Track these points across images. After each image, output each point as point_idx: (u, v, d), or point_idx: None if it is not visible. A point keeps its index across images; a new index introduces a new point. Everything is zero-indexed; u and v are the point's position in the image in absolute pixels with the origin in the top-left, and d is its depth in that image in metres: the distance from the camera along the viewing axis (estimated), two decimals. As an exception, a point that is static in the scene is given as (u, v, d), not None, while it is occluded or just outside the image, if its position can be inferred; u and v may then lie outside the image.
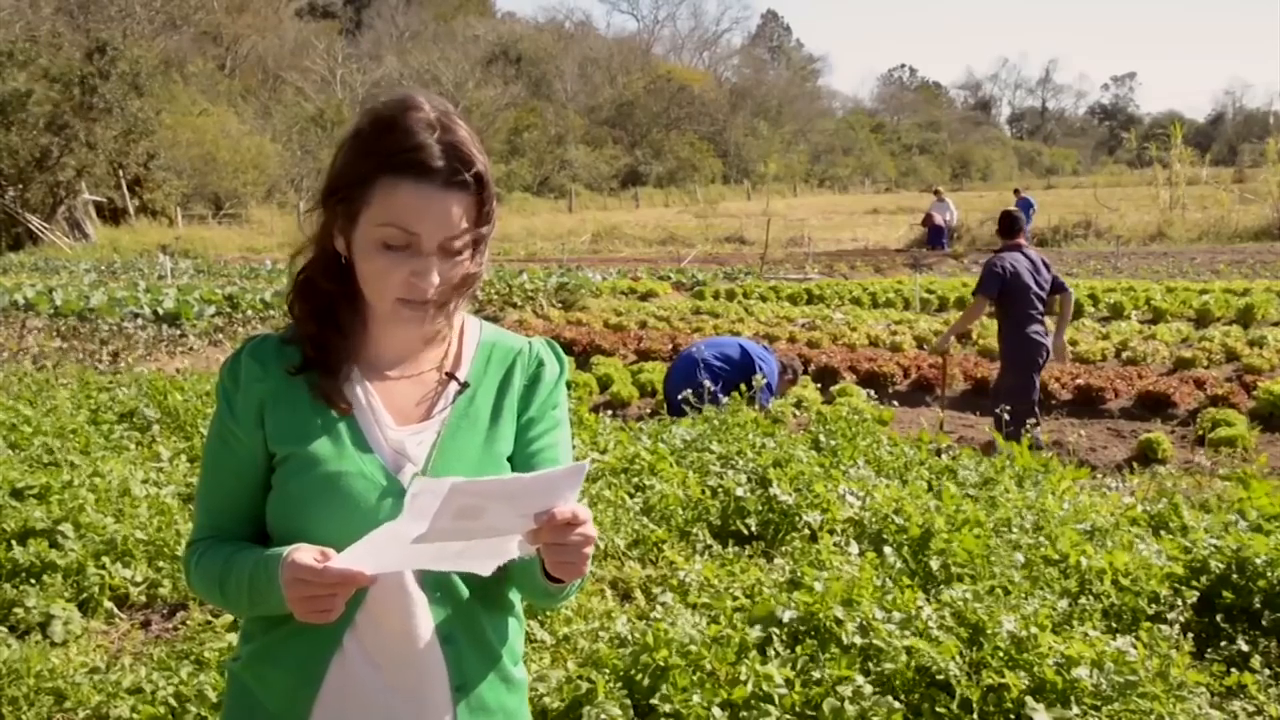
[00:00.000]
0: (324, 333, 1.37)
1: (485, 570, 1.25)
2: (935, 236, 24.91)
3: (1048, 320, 7.37)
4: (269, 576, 1.26)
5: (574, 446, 5.18)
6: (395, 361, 1.40)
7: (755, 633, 3.04)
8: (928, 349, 9.12)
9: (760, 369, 7.38)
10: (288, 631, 1.34)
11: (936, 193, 27.32)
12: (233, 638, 3.38)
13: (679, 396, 6.74)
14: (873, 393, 8.97)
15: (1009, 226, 7.42)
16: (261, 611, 1.34)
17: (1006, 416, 6.71)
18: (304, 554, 1.23)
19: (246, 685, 1.41)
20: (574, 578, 1.24)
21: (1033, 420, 6.41)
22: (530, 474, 1.22)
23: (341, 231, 1.32)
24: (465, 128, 1.30)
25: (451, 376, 1.41)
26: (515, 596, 1.47)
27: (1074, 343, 10.79)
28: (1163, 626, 3.30)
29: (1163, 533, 4.26)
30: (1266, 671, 3.17)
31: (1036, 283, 7.11)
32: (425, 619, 1.34)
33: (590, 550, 1.20)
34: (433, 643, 1.35)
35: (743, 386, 6.46)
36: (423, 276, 1.28)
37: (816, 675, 2.80)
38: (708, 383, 6.64)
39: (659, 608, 3.44)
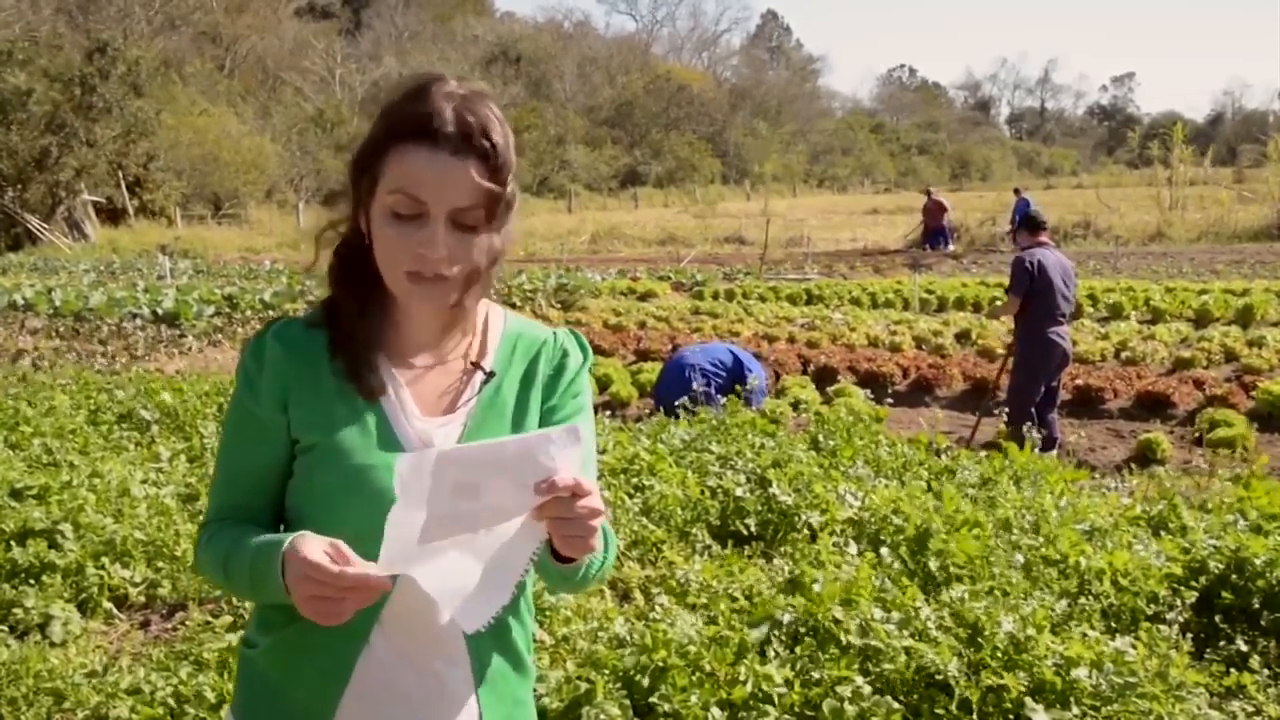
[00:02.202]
0: (353, 316, 1.35)
1: (504, 594, 1.19)
2: (935, 236, 24.87)
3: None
4: (268, 562, 1.22)
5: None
6: (419, 349, 1.38)
7: (754, 633, 3.04)
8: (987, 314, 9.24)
9: (749, 373, 7.55)
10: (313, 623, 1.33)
11: (928, 193, 27.33)
12: (233, 638, 3.38)
13: (676, 402, 6.80)
14: (868, 393, 8.99)
15: (1032, 225, 7.50)
16: (264, 598, 1.31)
17: (1005, 417, 6.71)
18: (312, 547, 1.17)
19: (266, 674, 1.39)
20: (583, 554, 1.20)
21: (1028, 424, 6.40)
22: (520, 435, 1.18)
23: (364, 209, 1.31)
24: (491, 107, 1.27)
25: (477, 366, 1.39)
26: (529, 578, 1.45)
27: (1074, 343, 10.80)
28: (1162, 627, 3.31)
29: (1162, 533, 4.26)
30: (1265, 672, 3.17)
31: (1063, 281, 7.10)
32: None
33: (598, 524, 1.17)
34: (456, 632, 1.34)
35: (738, 388, 6.52)
36: (430, 247, 1.25)
37: (816, 675, 2.80)
38: (699, 385, 6.70)
39: (658, 608, 3.45)
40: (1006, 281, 7.61)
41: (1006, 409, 7.12)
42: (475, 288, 1.32)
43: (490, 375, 1.40)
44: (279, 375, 1.33)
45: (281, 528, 1.38)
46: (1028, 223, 7.65)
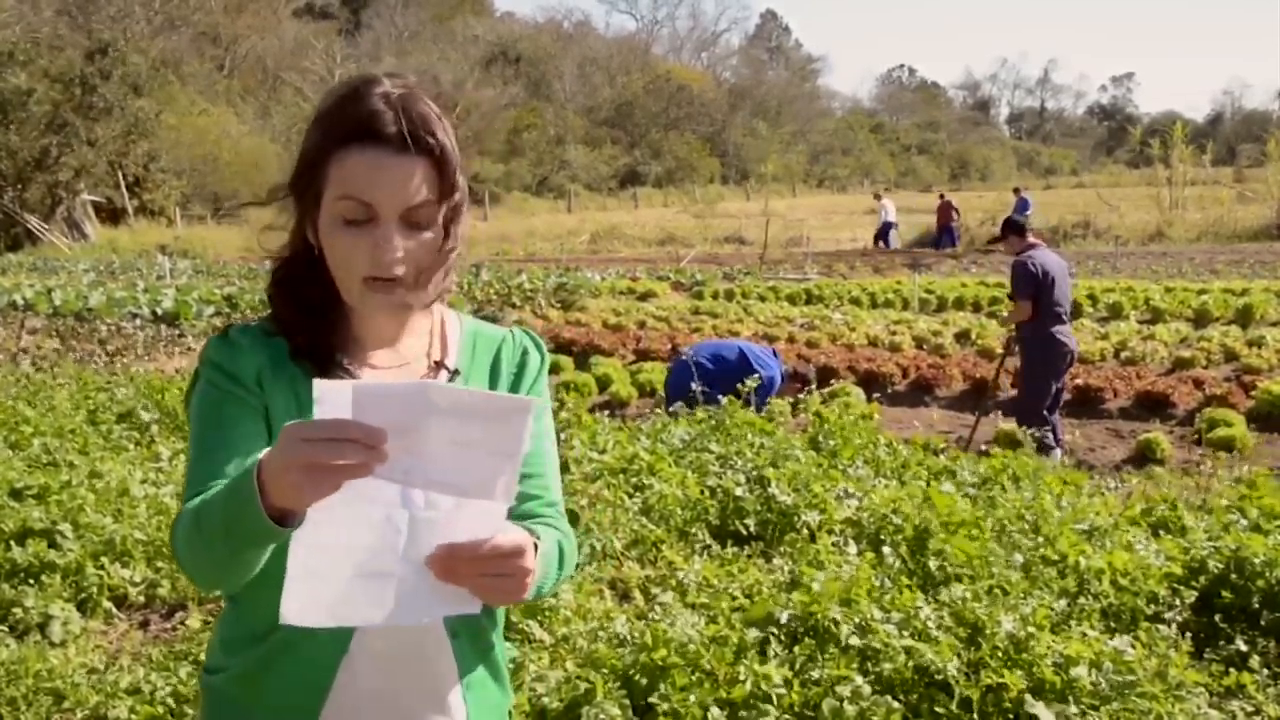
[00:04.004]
0: (309, 325, 1.32)
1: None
2: (946, 237, 24.92)
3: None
4: (244, 480, 1.06)
5: (573, 446, 5.23)
6: (378, 352, 1.36)
7: (754, 633, 3.04)
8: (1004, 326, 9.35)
9: (759, 372, 7.37)
10: (289, 637, 1.26)
11: (877, 196, 27.37)
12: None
13: (675, 400, 6.75)
14: (861, 393, 8.98)
15: (1019, 229, 7.47)
16: (240, 540, 1.10)
17: (1001, 417, 6.70)
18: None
19: (235, 699, 1.34)
20: (503, 604, 1.18)
21: (1044, 427, 6.35)
22: (467, 388, 1.11)
23: (311, 220, 1.28)
24: (429, 104, 1.25)
25: (440, 365, 1.38)
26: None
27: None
28: (1161, 626, 3.31)
29: (1161, 533, 4.26)
30: (1265, 671, 3.17)
31: (1063, 281, 7.10)
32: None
33: (530, 581, 1.12)
34: (443, 638, 1.33)
35: (738, 387, 6.46)
36: (385, 248, 1.22)
37: (815, 675, 2.80)
38: (695, 386, 6.63)
39: (657, 608, 3.45)
40: (1007, 284, 7.58)
41: (1017, 413, 7.09)
42: (433, 284, 1.30)
43: (455, 373, 1.39)
44: (252, 356, 1.29)
45: None
46: (1015, 228, 7.55)
